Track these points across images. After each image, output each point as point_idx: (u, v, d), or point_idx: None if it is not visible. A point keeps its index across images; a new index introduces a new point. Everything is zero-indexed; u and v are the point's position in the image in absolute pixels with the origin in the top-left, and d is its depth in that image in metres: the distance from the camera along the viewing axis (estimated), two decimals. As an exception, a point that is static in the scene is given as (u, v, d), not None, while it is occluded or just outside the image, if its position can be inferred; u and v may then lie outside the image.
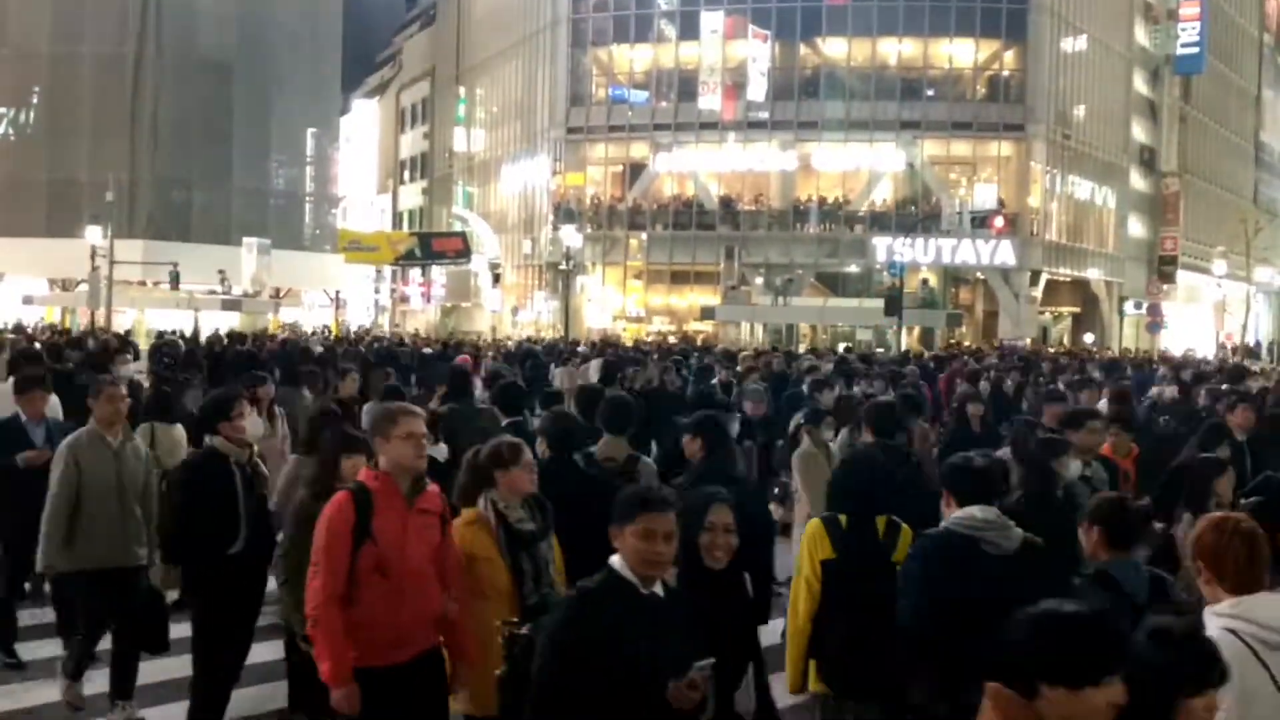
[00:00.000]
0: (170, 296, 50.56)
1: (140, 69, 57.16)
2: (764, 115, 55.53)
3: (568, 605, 4.13)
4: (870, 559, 5.61)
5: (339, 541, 5.13)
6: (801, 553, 5.84)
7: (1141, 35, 66.08)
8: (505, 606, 5.36)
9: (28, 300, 54.31)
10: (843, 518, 5.77)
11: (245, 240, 55.11)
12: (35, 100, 58.17)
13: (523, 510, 5.64)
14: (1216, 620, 3.91)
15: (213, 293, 52.31)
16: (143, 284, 53.34)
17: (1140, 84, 66.37)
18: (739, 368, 20.46)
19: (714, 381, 17.88)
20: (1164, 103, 68.92)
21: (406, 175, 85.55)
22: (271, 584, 6.87)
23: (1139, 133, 66.75)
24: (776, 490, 11.22)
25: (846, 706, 5.65)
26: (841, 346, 42.54)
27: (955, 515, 5.21)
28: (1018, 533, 5.17)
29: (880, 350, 41.30)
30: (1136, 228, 66.58)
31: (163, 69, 57.07)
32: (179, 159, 56.50)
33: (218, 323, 48.59)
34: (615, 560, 4.14)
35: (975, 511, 5.17)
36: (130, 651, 7.34)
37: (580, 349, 29.83)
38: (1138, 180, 66.45)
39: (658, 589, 4.14)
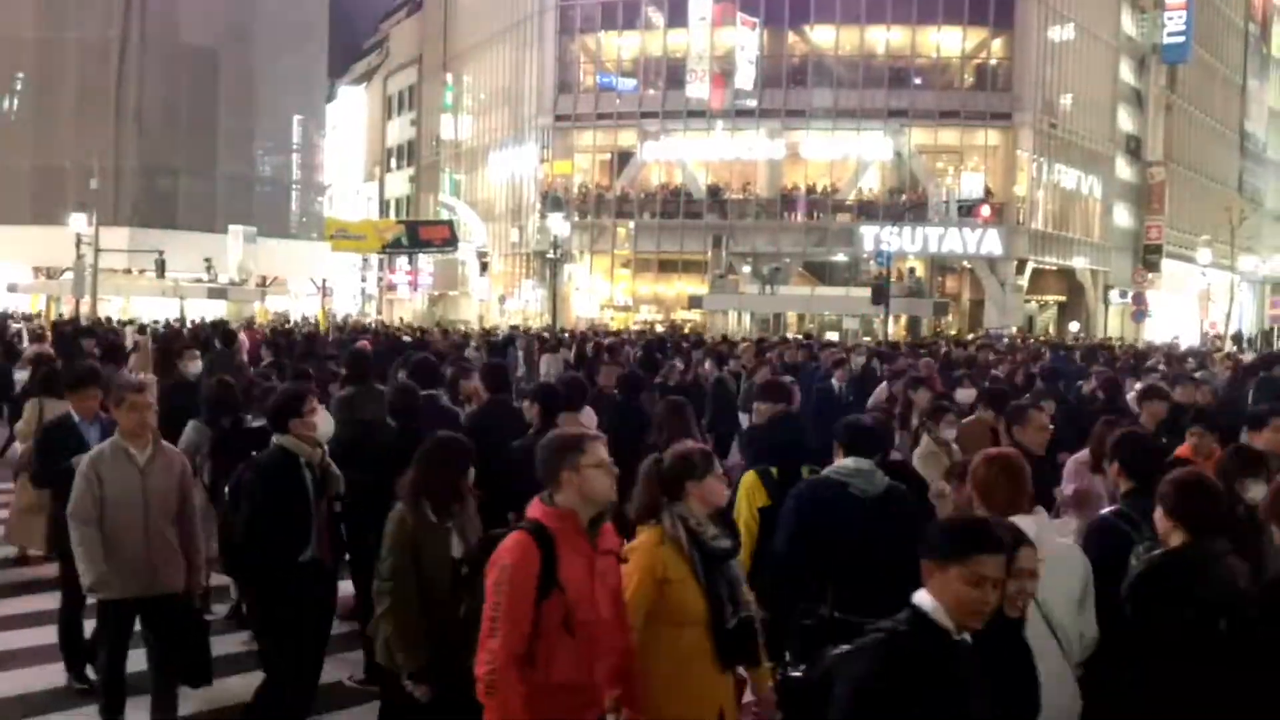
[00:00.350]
0: (156, 285, 50.47)
1: (125, 55, 56.98)
2: (752, 104, 55.49)
3: (874, 652, 3.57)
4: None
5: (522, 592, 4.41)
6: (740, 502, 6.61)
7: (1128, 24, 66.21)
8: (700, 633, 4.87)
9: (12, 288, 54.14)
10: (774, 470, 6.66)
11: (231, 228, 55.01)
12: (19, 86, 57.99)
13: (715, 525, 5.04)
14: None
15: (198, 281, 52.23)
16: (128, 272, 53.20)
17: (1126, 73, 66.50)
18: (741, 359, 18.99)
19: (722, 373, 16.66)
20: (1150, 92, 69.07)
21: (393, 163, 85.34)
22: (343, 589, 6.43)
23: (1125, 121, 66.91)
24: None
25: (778, 626, 6.22)
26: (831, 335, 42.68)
27: (834, 464, 6.09)
28: (883, 480, 5.99)
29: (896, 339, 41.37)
30: (1122, 216, 66.77)
31: (147, 55, 56.89)
32: (164, 146, 56.34)
33: (204, 311, 48.55)
34: (925, 601, 3.62)
35: (849, 461, 6.03)
36: (167, 684, 6.83)
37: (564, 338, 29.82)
38: (1123, 169, 66.62)
39: (965, 634, 3.66)
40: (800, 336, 36.40)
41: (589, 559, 4.60)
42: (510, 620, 4.40)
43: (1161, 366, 21.32)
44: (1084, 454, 8.22)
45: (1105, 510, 6.12)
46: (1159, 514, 4.93)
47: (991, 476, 5.24)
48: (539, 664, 4.46)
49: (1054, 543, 5.07)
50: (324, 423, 6.64)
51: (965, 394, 12.43)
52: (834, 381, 14.18)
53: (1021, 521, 4.81)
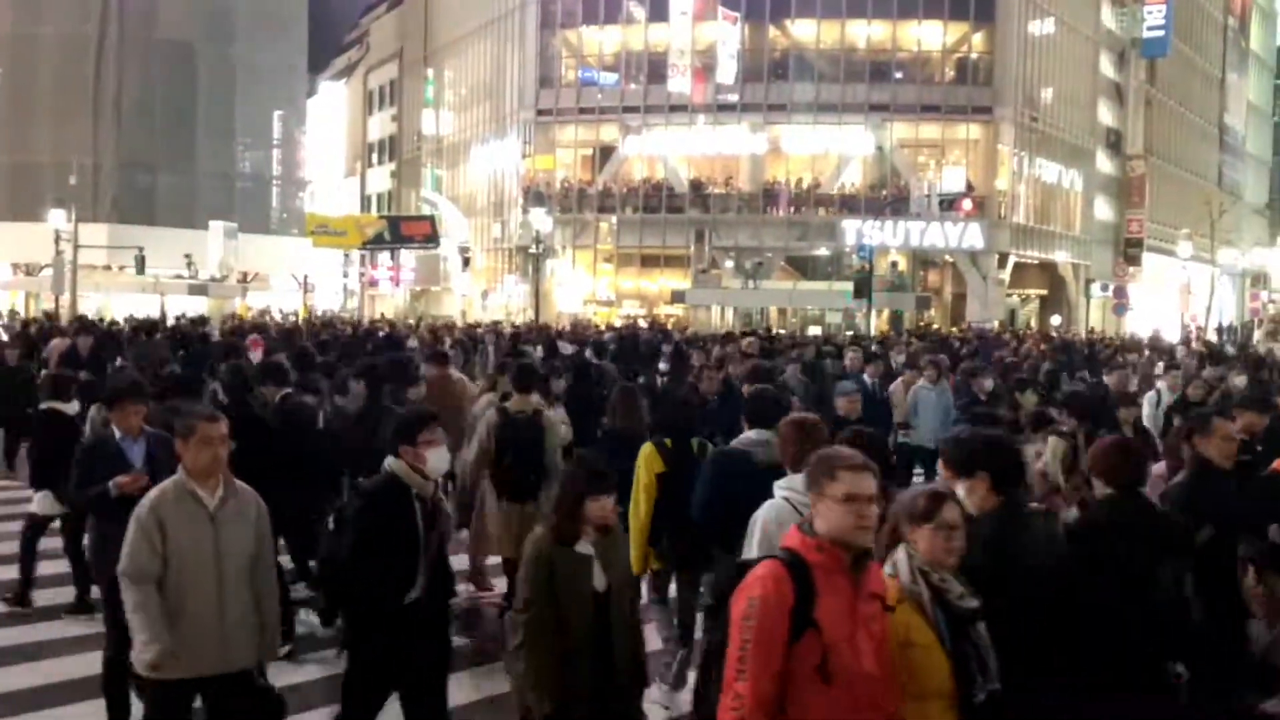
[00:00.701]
0: (136, 281, 50.22)
1: (103, 49, 56.65)
2: (733, 98, 55.47)
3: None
4: (689, 469, 7.48)
5: (774, 629, 3.89)
6: (640, 468, 7.70)
7: (1108, 18, 66.39)
8: (943, 708, 4.29)
9: (-10, 285, 53.86)
10: (668, 441, 7.80)
11: (212, 224, 54.79)
12: (-4, 82, 57.56)
13: (959, 581, 4.37)
14: (779, 492, 5.76)
15: (179, 277, 51.98)
16: (108, 268, 52.89)
17: (1107, 67, 66.70)
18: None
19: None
20: (1130, 86, 69.29)
21: (374, 158, 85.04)
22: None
23: (1105, 115, 67.11)
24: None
25: (671, 575, 7.91)
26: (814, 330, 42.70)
27: (740, 436, 7.00)
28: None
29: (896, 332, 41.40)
30: (1103, 210, 66.99)
31: (125, 50, 56.57)
32: (143, 141, 56.03)
33: (184, 308, 48.30)
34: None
35: (752, 434, 6.99)
36: None
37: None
38: (1104, 163, 66.83)
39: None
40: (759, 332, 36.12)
41: (850, 600, 4.04)
42: (759, 661, 3.89)
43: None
44: (1161, 467, 7.89)
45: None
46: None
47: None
48: (790, 715, 3.94)
49: None
50: (437, 458, 5.90)
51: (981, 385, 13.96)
52: (866, 378, 14.21)
53: None
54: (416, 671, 5.81)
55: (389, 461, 5.85)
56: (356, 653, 5.76)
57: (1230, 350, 34.53)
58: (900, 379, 15.16)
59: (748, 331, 35.21)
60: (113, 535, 6.16)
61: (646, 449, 7.78)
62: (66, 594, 9.61)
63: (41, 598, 9.70)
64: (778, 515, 5.56)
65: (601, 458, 6.24)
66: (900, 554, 4.37)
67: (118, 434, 7.29)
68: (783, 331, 43.25)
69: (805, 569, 3.97)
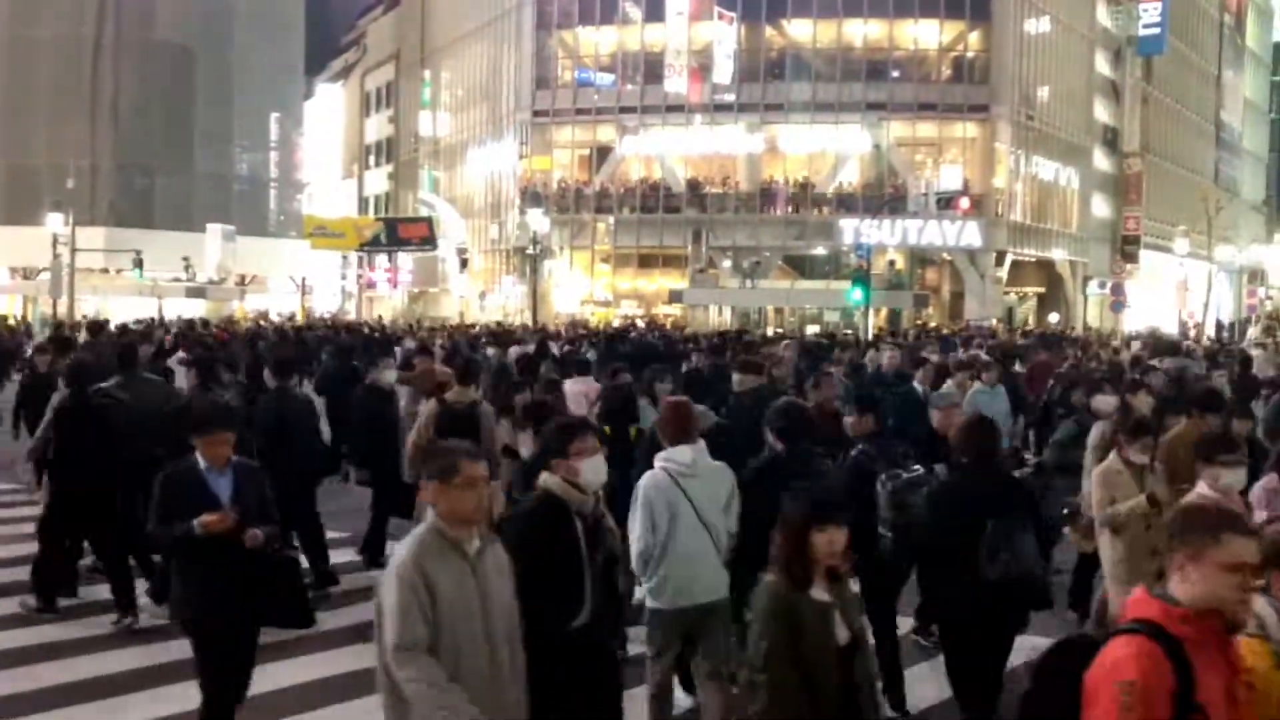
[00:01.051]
0: (134, 284, 50.24)
1: (99, 52, 56.66)
2: (730, 98, 55.50)
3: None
4: (625, 453, 8.08)
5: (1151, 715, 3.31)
6: None
7: (1104, 16, 66.42)
8: None
9: (-12, 288, 53.86)
10: (607, 429, 8.36)
11: (209, 227, 54.81)
12: (-7, 86, 57.53)
13: None
14: (658, 463, 6.48)
15: (177, 280, 51.98)
16: (105, 271, 52.89)
17: (1103, 65, 66.73)
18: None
19: None
20: (1126, 83, 69.33)
21: (372, 160, 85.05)
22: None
23: (1102, 113, 67.15)
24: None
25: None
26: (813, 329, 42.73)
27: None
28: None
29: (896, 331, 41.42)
30: (1100, 208, 67.02)
31: (122, 52, 56.57)
32: (140, 144, 56.04)
33: (182, 310, 48.32)
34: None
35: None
36: None
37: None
38: (1101, 160, 66.86)
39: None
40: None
41: (1227, 678, 3.48)
42: None
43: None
44: (1273, 480, 7.64)
45: (855, 450, 7.77)
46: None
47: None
48: None
49: (708, 462, 6.57)
50: (593, 469, 5.45)
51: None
52: (916, 384, 13.06)
53: None
54: (590, 700, 5.39)
55: (543, 478, 5.43)
56: (532, 687, 4.96)
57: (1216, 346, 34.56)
58: (951, 381, 13.45)
59: (781, 335, 35.48)
60: (195, 578, 6.11)
61: None
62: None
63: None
64: (655, 483, 6.36)
65: (830, 487, 6.11)
66: (1265, 607, 3.82)
67: (202, 464, 6.32)
68: (814, 329, 43.20)
69: (1177, 645, 3.37)
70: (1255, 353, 25.17)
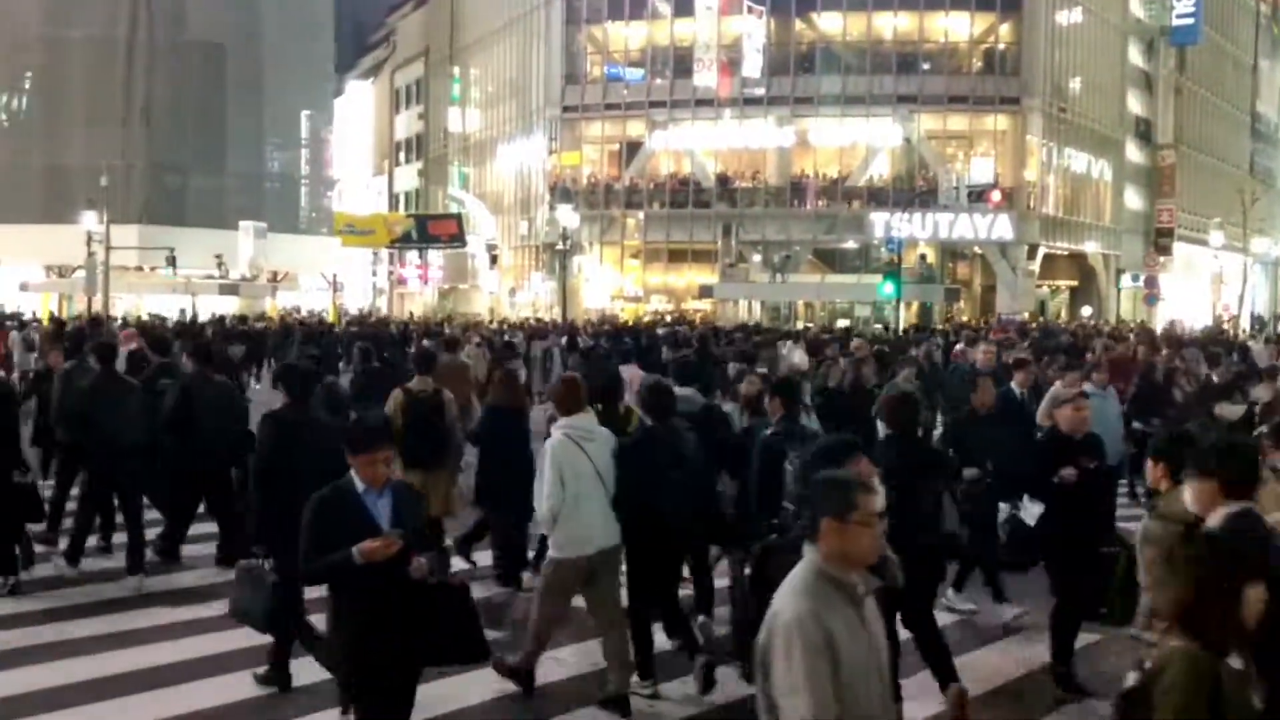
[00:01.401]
0: (167, 281, 50.62)
1: (133, 52, 57.11)
2: (760, 91, 55.35)
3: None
4: (615, 431, 8.21)
5: None
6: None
7: (1136, 7, 65.88)
8: None
9: (24, 287, 54.27)
10: (599, 406, 8.51)
11: (241, 224, 55.14)
12: (27, 85, 58.02)
13: None
14: (556, 431, 7.54)
15: (210, 277, 52.31)
16: (139, 269, 53.30)
17: (1136, 56, 66.20)
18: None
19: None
20: (1160, 74, 68.73)
21: (402, 156, 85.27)
22: None
23: (1135, 105, 66.61)
24: None
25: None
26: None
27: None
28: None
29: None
30: (1133, 200, 66.50)
31: (155, 53, 57.00)
32: (173, 143, 56.47)
33: (215, 308, 48.65)
34: None
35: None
36: None
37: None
38: (1134, 152, 66.34)
39: None
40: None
41: None
42: None
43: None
44: None
45: (767, 432, 8.35)
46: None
47: None
48: None
49: (601, 429, 7.70)
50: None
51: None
52: (1014, 386, 12.27)
53: None
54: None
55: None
56: None
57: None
58: (1060, 384, 12.35)
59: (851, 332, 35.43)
60: (356, 618, 5.52)
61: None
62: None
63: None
64: (562, 447, 7.42)
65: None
66: None
67: (359, 485, 5.58)
68: (845, 323, 43.20)
69: None
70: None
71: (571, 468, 7.31)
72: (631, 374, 13.75)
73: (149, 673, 7.95)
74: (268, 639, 7.59)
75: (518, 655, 7.64)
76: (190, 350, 12.42)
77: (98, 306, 45.37)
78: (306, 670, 7.60)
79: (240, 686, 7.65)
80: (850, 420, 10.27)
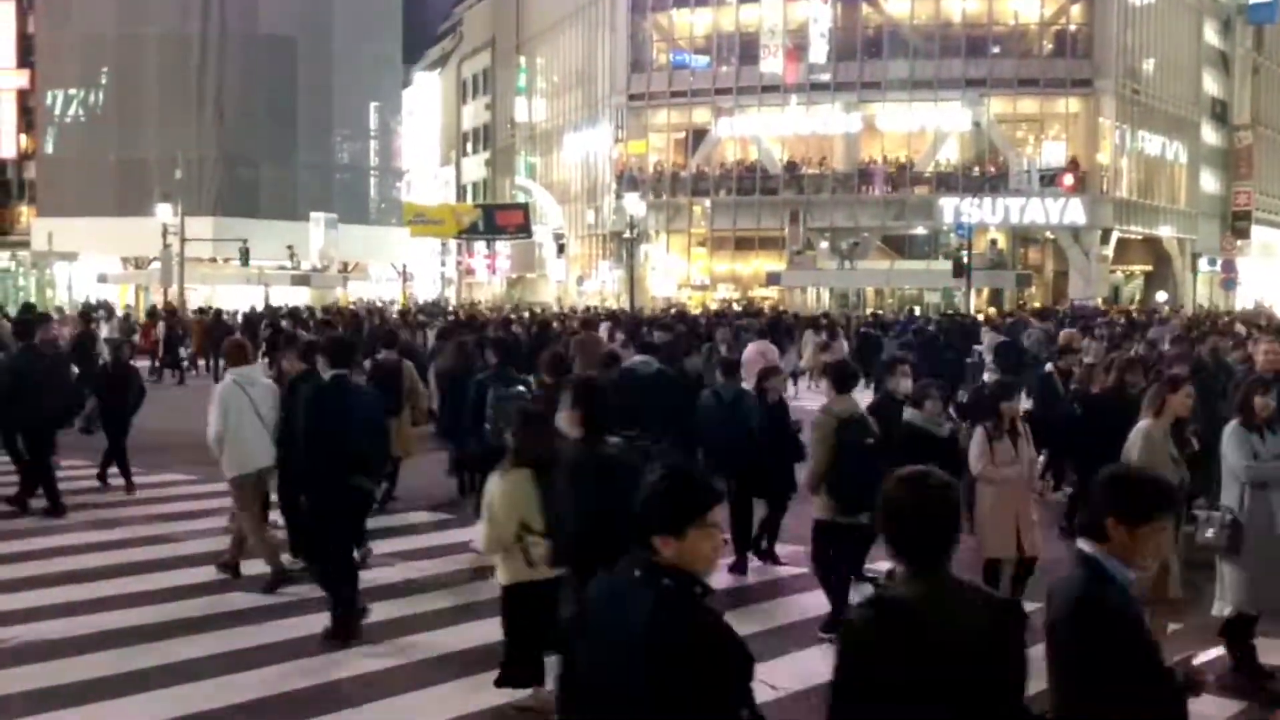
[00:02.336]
0: (240, 272, 51.27)
1: (205, 47, 57.72)
2: (826, 77, 55.03)
3: None
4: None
5: None
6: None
7: (1212, -15, 64.71)
8: None
9: (102, 279, 55.27)
10: (546, 378, 10.14)
11: (313, 215, 55.60)
12: (104, 81, 58.93)
13: None
14: (229, 376, 9.99)
15: (282, 268, 52.91)
16: (213, 260, 54.03)
17: (1211, 35, 64.99)
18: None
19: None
20: (1236, 54, 67.47)
21: (469, 147, 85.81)
22: None
23: (1210, 85, 65.41)
24: None
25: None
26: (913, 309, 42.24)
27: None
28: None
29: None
30: (1209, 182, 65.35)
31: (226, 46, 57.58)
32: (245, 136, 57.02)
33: (287, 298, 49.24)
34: None
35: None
36: None
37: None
38: (1209, 134, 65.17)
39: None
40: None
41: None
42: None
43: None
44: None
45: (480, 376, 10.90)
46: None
47: None
48: None
49: (263, 379, 10.27)
50: None
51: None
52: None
53: None
54: None
55: None
56: None
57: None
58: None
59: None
60: None
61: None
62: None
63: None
64: (228, 389, 9.81)
65: None
66: None
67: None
68: (916, 310, 42.92)
69: None
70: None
71: (235, 405, 9.68)
72: (764, 348, 18.02)
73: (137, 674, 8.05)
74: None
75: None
76: (15, 330, 14.73)
77: (174, 297, 46.12)
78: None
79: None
80: (1113, 435, 8.78)
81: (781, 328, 28.07)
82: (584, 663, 3.56)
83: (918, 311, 44.01)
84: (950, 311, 40.18)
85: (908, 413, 8.94)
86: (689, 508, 3.44)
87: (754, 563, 10.60)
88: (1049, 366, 14.24)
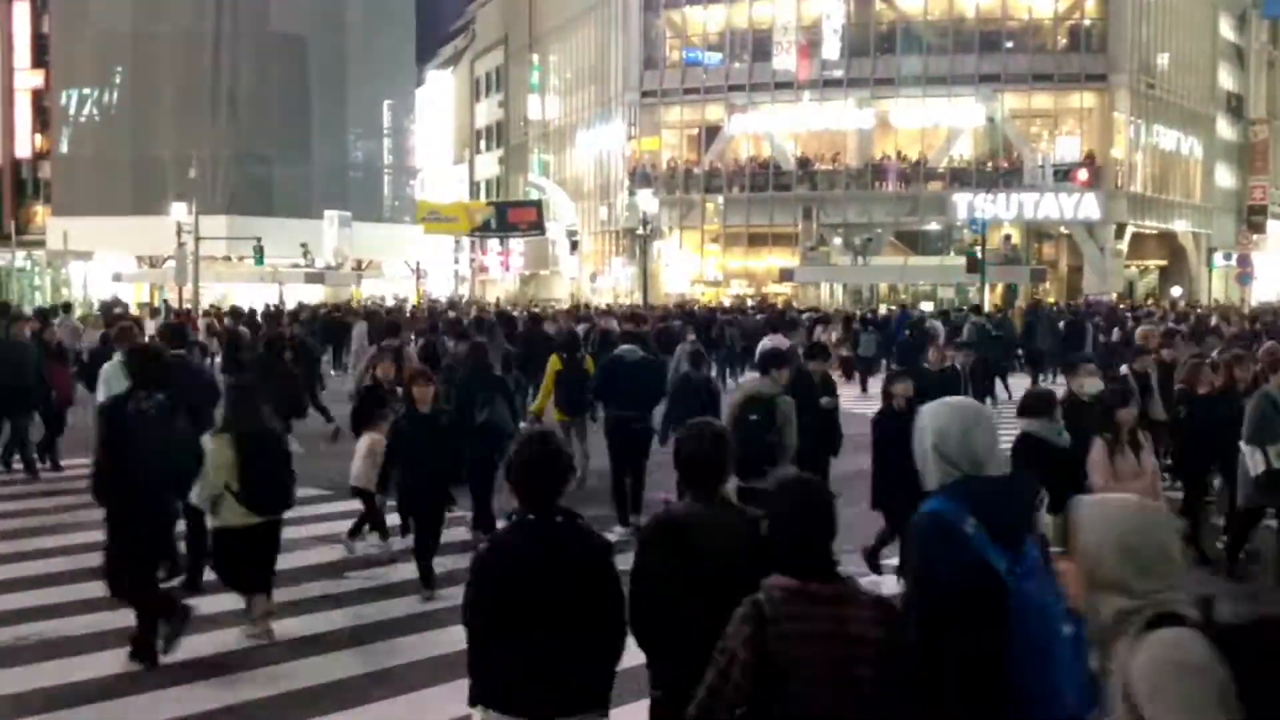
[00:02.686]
0: (255, 271, 51.42)
1: (218, 46, 57.88)
2: (839, 73, 54.94)
3: None
4: (575, 370, 13.85)
5: None
6: (549, 368, 14.05)
7: (1227, -21, 64.44)
8: None
9: (117, 277, 55.51)
10: (563, 354, 13.97)
11: (326, 213, 55.76)
12: (118, 80, 59.15)
13: None
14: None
15: (296, 266, 53.04)
16: (228, 259, 54.21)
17: (1226, 29, 64.72)
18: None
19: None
20: (1251, 48, 67.21)
21: (482, 145, 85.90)
22: None
23: (1225, 79, 65.14)
24: None
25: (570, 429, 13.94)
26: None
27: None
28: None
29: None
30: (1224, 177, 65.10)
31: (240, 45, 57.74)
32: (259, 134, 57.15)
33: (302, 296, 49.39)
34: None
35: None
36: None
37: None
38: (1225, 128, 64.91)
39: None
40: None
41: None
42: None
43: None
44: None
45: None
46: None
47: None
48: None
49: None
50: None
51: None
52: None
53: None
54: None
55: None
56: None
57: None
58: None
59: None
60: None
61: (553, 358, 14.02)
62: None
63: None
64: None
65: None
66: None
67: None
68: (929, 306, 42.86)
69: None
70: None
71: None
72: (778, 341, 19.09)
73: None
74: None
75: None
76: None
77: (188, 296, 46.30)
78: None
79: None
80: (1223, 440, 8.71)
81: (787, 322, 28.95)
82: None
83: (929, 307, 43.94)
84: (954, 308, 40.16)
85: (1025, 422, 8.14)
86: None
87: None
88: (1124, 369, 13.01)
